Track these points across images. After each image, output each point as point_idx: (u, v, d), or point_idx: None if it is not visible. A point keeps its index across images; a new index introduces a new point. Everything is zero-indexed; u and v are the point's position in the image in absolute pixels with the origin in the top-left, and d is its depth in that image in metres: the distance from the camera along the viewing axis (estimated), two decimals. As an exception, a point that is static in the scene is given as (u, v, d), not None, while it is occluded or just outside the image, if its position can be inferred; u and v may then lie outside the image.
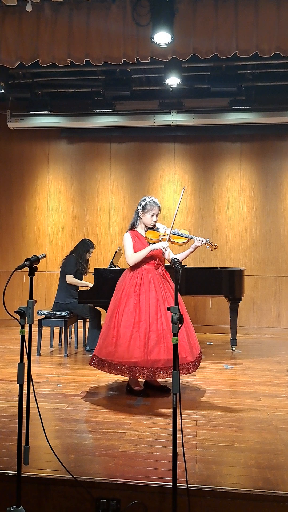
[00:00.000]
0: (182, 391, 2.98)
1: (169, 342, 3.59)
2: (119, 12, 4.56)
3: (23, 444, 2.40)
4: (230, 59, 5.08)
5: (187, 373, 3.75)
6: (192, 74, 6.37)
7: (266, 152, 7.38)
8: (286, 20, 4.41)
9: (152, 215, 3.90)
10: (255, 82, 6.44)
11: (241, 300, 5.74)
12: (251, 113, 6.80)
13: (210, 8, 4.48)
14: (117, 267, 5.57)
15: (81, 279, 5.76)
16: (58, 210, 7.76)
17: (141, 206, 3.91)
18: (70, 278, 5.64)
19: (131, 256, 3.85)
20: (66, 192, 7.76)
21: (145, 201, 3.90)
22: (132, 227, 4.02)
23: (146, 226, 3.96)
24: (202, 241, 3.81)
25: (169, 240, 3.85)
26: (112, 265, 5.56)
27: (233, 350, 5.82)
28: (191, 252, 3.91)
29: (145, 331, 3.63)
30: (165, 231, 3.93)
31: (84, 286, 5.56)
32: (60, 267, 5.81)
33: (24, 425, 2.41)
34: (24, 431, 2.41)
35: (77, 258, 5.72)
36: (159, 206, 3.92)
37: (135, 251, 3.85)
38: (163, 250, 3.79)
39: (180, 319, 2.28)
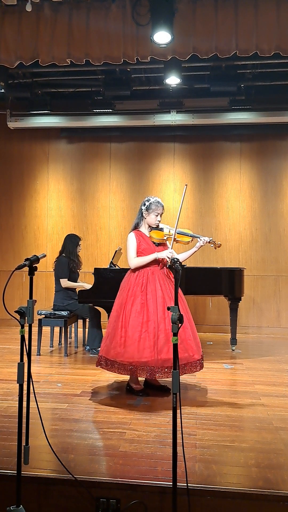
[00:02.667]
0: (182, 391, 2.98)
1: None
2: (118, 11, 4.56)
3: (23, 443, 2.40)
4: (229, 58, 5.09)
5: (195, 371, 3.77)
6: (192, 74, 6.36)
7: (266, 152, 7.38)
8: (286, 20, 4.41)
9: (157, 215, 3.92)
10: (254, 82, 6.43)
11: (241, 300, 5.75)
12: (250, 112, 6.80)
13: (210, 8, 4.48)
14: (117, 267, 5.57)
15: (76, 278, 5.73)
16: (58, 209, 7.76)
17: (146, 206, 3.92)
18: (64, 282, 5.58)
19: (134, 261, 3.85)
20: (66, 192, 7.76)
21: (150, 201, 3.92)
22: (136, 227, 4.02)
23: (149, 226, 3.97)
24: (206, 239, 3.87)
25: (175, 239, 3.88)
26: (112, 265, 5.56)
27: (233, 350, 5.82)
28: (195, 251, 3.94)
29: (154, 331, 3.64)
30: (169, 231, 3.95)
31: (80, 287, 5.52)
32: (53, 269, 5.75)
33: (24, 425, 2.41)
34: (24, 430, 2.42)
35: (67, 257, 5.65)
36: (163, 206, 3.95)
37: (141, 250, 3.86)
38: (167, 259, 3.75)
39: (180, 319, 2.28)
